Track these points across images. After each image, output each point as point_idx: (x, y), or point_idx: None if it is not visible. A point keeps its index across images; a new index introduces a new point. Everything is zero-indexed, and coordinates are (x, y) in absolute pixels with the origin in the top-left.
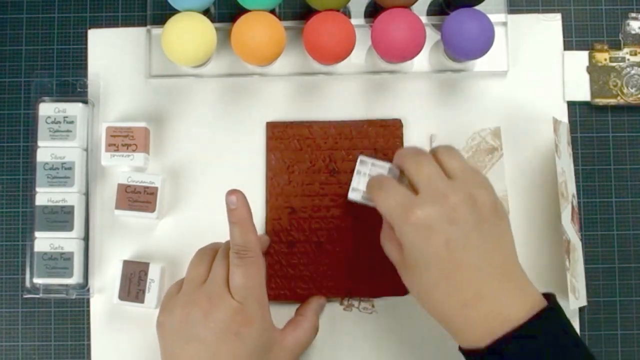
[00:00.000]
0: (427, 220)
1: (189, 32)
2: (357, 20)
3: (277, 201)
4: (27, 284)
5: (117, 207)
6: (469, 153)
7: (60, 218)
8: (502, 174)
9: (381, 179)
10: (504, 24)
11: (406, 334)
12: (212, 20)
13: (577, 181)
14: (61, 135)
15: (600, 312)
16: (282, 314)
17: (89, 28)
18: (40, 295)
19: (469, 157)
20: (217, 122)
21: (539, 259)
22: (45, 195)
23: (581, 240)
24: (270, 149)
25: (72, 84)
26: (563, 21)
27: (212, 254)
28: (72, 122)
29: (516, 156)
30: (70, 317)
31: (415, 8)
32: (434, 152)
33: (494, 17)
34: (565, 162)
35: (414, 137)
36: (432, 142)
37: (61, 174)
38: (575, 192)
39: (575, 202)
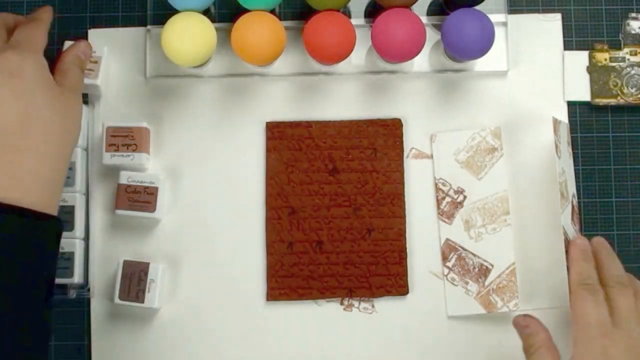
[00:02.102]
0: (614, 356)
1: (189, 32)
2: (357, 20)
3: (277, 201)
4: None
5: (117, 207)
6: (469, 153)
7: (60, 218)
8: (502, 174)
9: (596, 286)
10: (504, 24)
11: (406, 334)
12: (212, 20)
13: (577, 181)
14: None
15: None
16: (282, 313)
17: (89, 28)
18: None
19: (469, 157)
20: (217, 122)
21: (539, 259)
22: None
23: None
24: (270, 149)
25: None
26: (563, 21)
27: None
28: None
29: (516, 156)
30: (70, 317)
31: (415, 8)
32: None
33: (494, 17)
34: (565, 162)
35: (414, 137)
36: (432, 142)
37: None
38: (575, 192)
39: (575, 202)
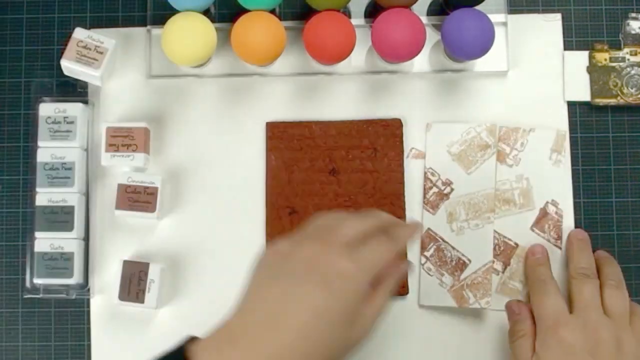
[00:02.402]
0: (571, 343)
1: (189, 32)
2: (357, 20)
3: (277, 201)
4: (27, 284)
5: (117, 207)
6: (462, 146)
7: (60, 218)
8: (492, 172)
9: (547, 282)
10: (504, 24)
11: (406, 334)
12: (212, 20)
13: (577, 181)
14: (61, 136)
15: None
16: None
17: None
18: (41, 296)
19: (462, 150)
20: (217, 122)
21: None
22: (45, 196)
23: (560, 248)
24: (270, 149)
25: (72, 84)
26: (563, 21)
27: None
28: (72, 122)
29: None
30: (70, 317)
31: (415, 8)
32: (601, 272)
33: (494, 17)
34: (539, 169)
35: (414, 137)
36: (427, 130)
37: (61, 174)
38: (556, 199)
39: (554, 210)
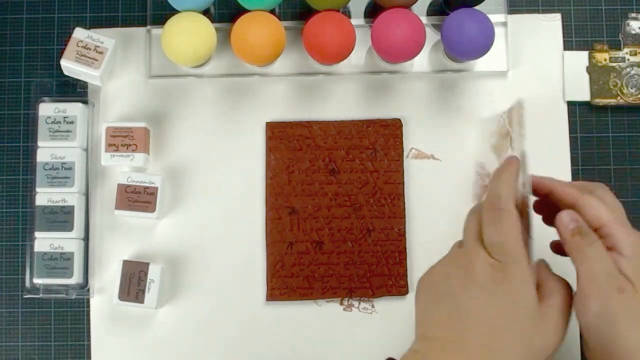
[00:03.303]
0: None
1: (189, 32)
2: (357, 20)
3: (277, 201)
4: (27, 284)
5: (117, 207)
6: (493, 138)
7: (60, 218)
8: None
9: (591, 236)
10: (504, 24)
11: (406, 334)
12: (212, 20)
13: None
14: (61, 136)
15: None
16: (282, 313)
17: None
18: (40, 296)
19: (495, 143)
20: (217, 122)
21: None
22: (45, 196)
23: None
24: (270, 149)
25: (72, 84)
26: (563, 21)
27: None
28: (72, 122)
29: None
30: (70, 317)
31: (415, 8)
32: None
33: (494, 17)
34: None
35: (414, 137)
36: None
37: (61, 174)
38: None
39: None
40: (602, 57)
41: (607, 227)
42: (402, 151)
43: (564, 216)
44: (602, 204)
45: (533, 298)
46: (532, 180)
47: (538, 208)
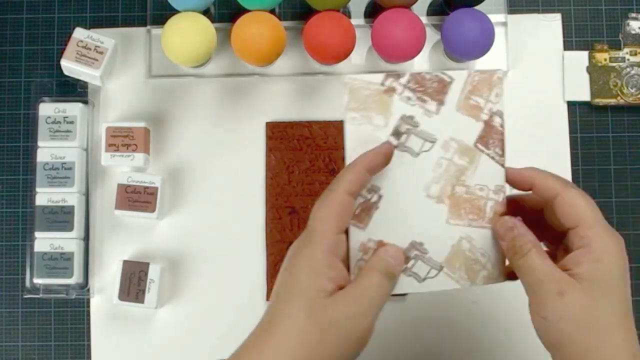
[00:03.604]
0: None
1: (189, 32)
2: (357, 20)
3: (277, 201)
4: (27, 284)
5: (117, 207)
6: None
7: (60, 218)
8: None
9: (524, 248)
10: (504, 24)
11: (406, 334)
12: (212, 20)
13: (577, 181)
14: (61, 136)
15: None
16: None
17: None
18: (40, 295)
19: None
20: (217, 122)
21: None
22: (45, 196)
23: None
24: (270, 149)
25: (72, 84)
26: (563, 21)
27: None
28: (72, 122)
29: (517, 156)
30: (70, 317)
31: (415, 8)
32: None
33: (494, 17)
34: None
35: None
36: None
37: (61, 174)
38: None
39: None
40: (602, 57)
41: (584, 228)
42: None
43: (501, 231)
44: (583, 201)
45: (323, 268)
46: (513, 172)
47: (511, 212)
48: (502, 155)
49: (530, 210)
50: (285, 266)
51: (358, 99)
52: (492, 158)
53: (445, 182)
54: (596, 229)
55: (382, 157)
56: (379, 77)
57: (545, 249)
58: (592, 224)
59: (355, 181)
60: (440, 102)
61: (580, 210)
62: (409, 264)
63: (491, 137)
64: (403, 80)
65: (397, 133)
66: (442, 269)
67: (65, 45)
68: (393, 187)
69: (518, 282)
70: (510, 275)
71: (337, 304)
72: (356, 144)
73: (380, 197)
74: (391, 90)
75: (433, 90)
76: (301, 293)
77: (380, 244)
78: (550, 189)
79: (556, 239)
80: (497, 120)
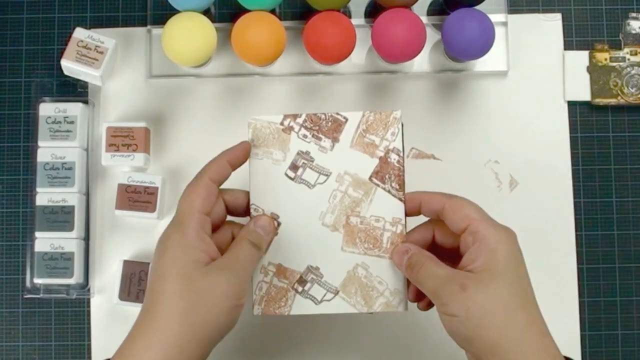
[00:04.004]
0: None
1: (189, 32)
2: (357, 20)
3: None
4: (28, 284)
5: (117, 207)
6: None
7: (60, 218)
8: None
9: (420, 260)
10: (504, 24)
11: (406, 334)
12: (212, 20)
13: (577, 181)
14: (61, 135)
15: (600, 312)
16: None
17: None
18: (41, 295)
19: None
20: (217, 122)
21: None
22: (45, 195)
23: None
24: None
25: (72, 84)
26: (563, 21)
27: None
28: (72, 122)
29: (517, 155)
30: (70, 317)
31: (415, 8)
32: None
33: (494, 17)
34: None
35: (414, 136)
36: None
37: (61, 174)
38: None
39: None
40: (603, 56)
41: (474, 224)
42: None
43: (396, 258)
44: (468, 204)
45: (195, 242)
46: (407, 195)
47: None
48: (400, 189)
49: (442, 248)
50: (157, 252)
51: (260, 136)
52: (389, 192)
53: (340, 212)
54: (485, 224)
55: (241, 152)
56: (279, 118)
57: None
58: (480, 220)
59: (218, 171)
60: (335, 140)
61: (466, 211)
62: (306, 287)
63: (387, 172)
64: (300, 120)
65: (294, 167)
66: (338, 293)
67: (66, 45)
68: (291, 215)
69: None
70: (425, 305)
71: (213, 272)
72: (259, 176)
73: (279, 224)
74: (289, 129)
75: (328, 129)
76: (178, 268)
77: (279, 267)
78: (435, 203)
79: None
80: (393, 157)
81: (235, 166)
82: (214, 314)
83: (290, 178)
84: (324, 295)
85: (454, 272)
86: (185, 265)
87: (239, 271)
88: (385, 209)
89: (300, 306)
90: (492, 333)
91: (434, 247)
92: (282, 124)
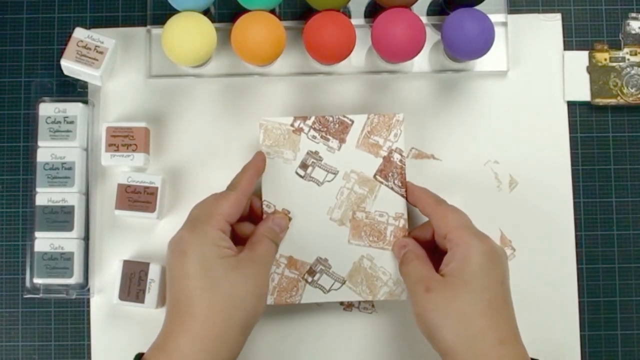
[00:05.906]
0: (494, 246)
1: (189, 32)
2: (357, 20)
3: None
4: (27, 284)
5: (117, 207)
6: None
7: (60, 218)
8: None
9: (408, 259)
10: (504, 24)
11: (406, 334)
12: (212, 20)
13: (577, 181)
14: (61, 135)
15: (600, 312)
16: (282, 313)
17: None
18: (41, 295)
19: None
20: (217, 122)
21: (546, 249)
22: (45, 195)
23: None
24: None
25: (72, 84)
26: (563, 21)
27: None
28: (72, 122)
29: (517, 156)
30: (70, 317)
31: (415, 8)
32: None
33: (494, 17)
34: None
35: (414, 136)
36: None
37: (61, 174)
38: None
39: (399, 157)
40: (602, 57)
41: (452, 232)
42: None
43: (395, 251)
44: (450, 214)
45: (218, 240)
46: (409, 186)
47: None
48: (403, 186)
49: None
50: (176, 252)
51: (271, 137)
52: (392, 189)
53: (347, 207)
54: (462, 233)
55: (262, 163)
56: (289, 120)
57: None
58: (458, 229)
59: (249, 187)
60: (342, 140)
61: (447, 219)
62: (316, 277)
63: (391, 170)
64: (309, 122)
65: (304, 165)
66: (345, 283)
67: (65, 45)
68: (301, 211)
69: None
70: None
71: (242, 265)
72: (270, 174)
73: (290, 219)
74: (299, 130)
75: (335, 130)
76: (208, 265)
77: (290, 259)
78: (427, 207)
79: None
80: (396, 157)
81: (259, 176)
82: (248, 303)
83: (300, 176)
84: (332, 285)
85: (428, 274)
86: (214, 261)
87: (263, 264)
88: (389, 205)
89: (310, 295)
90: (447, 336)
91: (434, 245)
92: (292, 125)
